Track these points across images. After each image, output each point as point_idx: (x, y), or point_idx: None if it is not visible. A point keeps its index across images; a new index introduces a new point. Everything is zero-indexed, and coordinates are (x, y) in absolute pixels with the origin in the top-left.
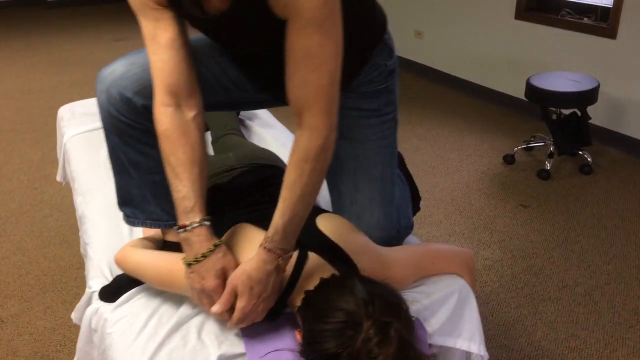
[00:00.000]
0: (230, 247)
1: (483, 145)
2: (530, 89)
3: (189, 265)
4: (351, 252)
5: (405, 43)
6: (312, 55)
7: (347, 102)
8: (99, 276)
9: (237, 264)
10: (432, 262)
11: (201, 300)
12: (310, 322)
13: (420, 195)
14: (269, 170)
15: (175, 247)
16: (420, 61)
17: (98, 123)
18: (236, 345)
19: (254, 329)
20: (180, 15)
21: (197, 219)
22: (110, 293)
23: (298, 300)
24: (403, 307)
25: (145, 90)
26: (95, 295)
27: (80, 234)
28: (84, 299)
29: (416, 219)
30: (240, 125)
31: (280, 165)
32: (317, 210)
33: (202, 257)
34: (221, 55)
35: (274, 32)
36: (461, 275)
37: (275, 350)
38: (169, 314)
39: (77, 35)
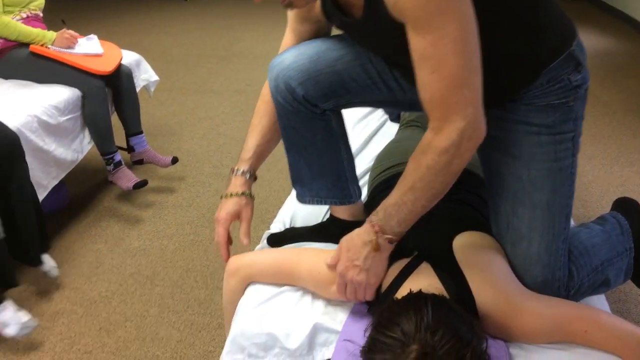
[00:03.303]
0: None
1: None
2: None
3: (223, 196)
4: (474, 280)
5: None
6: (427, 57)
7: (513, 114)
8: (279, 222)
9: (249, 216)
10: (585, 329)
11: (216, 224)
12: (374, 328)
13: None
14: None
15: (343, 224)
16: None
17: None
18: (337, 323)
19: (361, 317)
20: (333, 23)
21: (242, 169)
22: (277, 240)
23: None
24: (469, 350)
25: (309, 82)
26: (266, 235)
27: None
28: (263, 238)
29: None
30: None
31: (478, 171)
32: (468, 226)
33: (230, 195)
34: None
35: (402, 37)
36: None
37: (349, 341)
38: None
39: None
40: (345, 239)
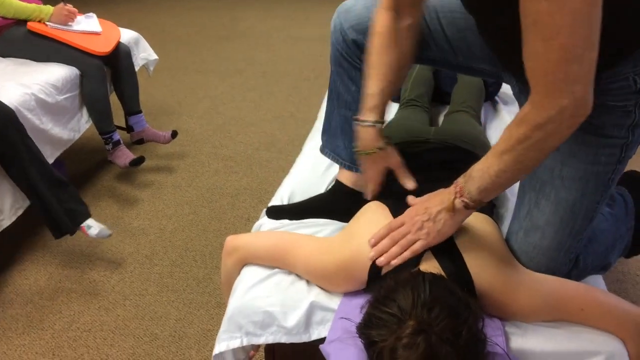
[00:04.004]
0: (357, 221)
1: None
2: None
3: (360, 153)
4: (472, 261)
5: None
6: (541, 24)
7: None
8: (277, 199)
9: (398, 162)
10: (581, 307)
11: (365, 182)
12: (370, 304)
13: None
14: (460, 154)
15: (345, 191)
16: None
17: None
18: (333, 302)
19: (356, 296)
20: None
21: (372, 120)
22: (276, 212)
23: None
24: (465, 327)
25: (360, 26)
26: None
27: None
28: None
29: None
30: (492, 108)
31: (479, 152)
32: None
33: (366, 154)
34: (462, 10)
35: None
36: (623, 340)
37: (345, 319)
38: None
39: None
40: (434, 193)
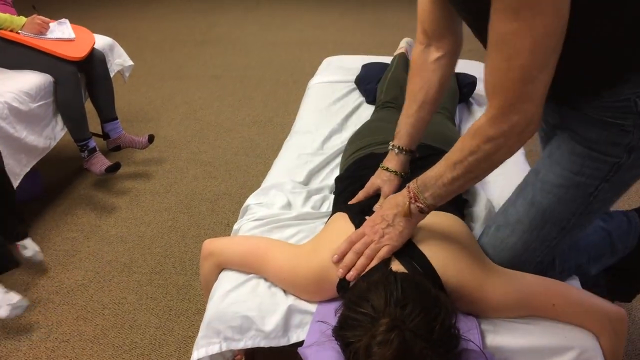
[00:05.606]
0: (324, 233)
1: None
2: None
3: (381, 167)
4: (435, 259)
5: None
6: (505, 43)
7: (564, 117)
8: (257, 194)
9: (393, 190)
10: (552, 303)
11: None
12: (345, 306)
13: None
14: (427, 152)
15: None
16: None
17: (342, 77)
18: (311, 305)
19: (332, 300)
20: None
21: (392, 144)
22: None
23: None
24: (439, 322)
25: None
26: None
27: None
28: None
29: None
30: (466, 109)
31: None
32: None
33: (380, 168)
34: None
35: (486, 5)
36: (596, 335)
37: (322, 322)
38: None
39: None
40: (387, 198)
